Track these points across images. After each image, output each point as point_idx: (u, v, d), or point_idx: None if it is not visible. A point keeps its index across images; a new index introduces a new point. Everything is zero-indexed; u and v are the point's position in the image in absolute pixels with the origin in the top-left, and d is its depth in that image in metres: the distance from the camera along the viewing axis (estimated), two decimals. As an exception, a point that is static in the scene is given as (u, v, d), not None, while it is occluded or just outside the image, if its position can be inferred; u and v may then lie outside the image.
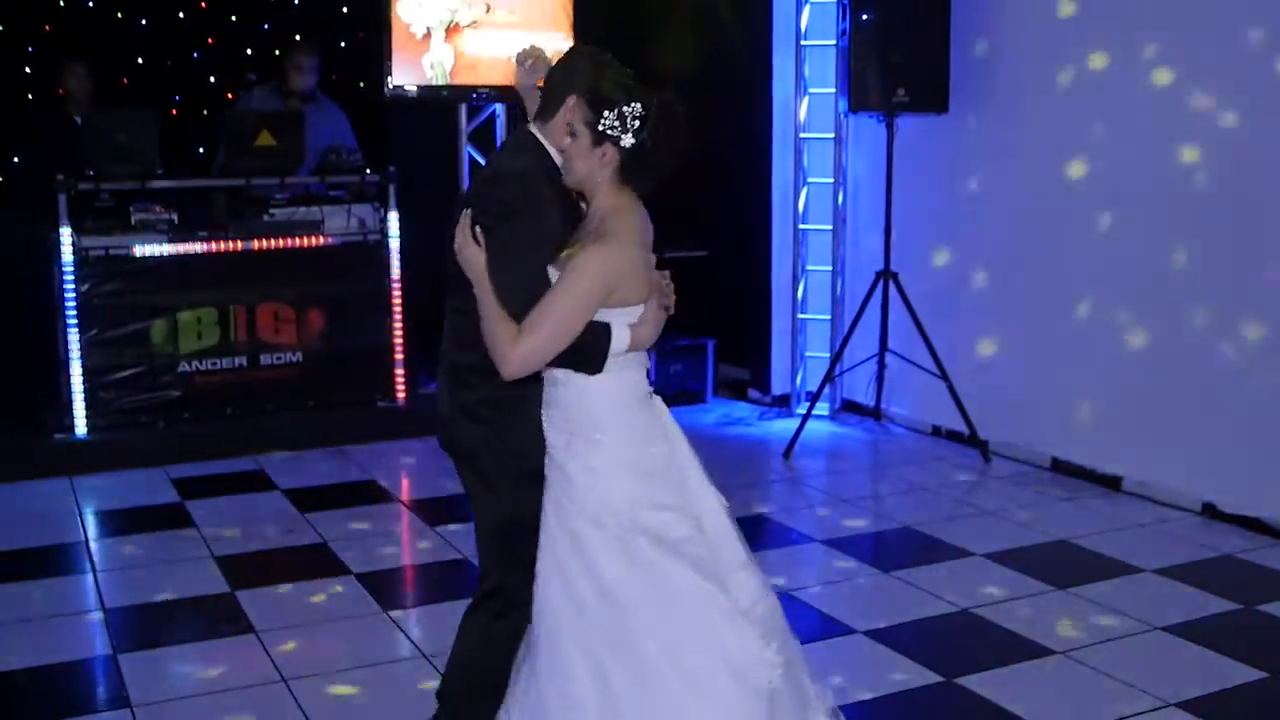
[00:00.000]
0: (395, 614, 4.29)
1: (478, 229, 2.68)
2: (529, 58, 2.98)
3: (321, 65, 7.04)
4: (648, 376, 2.81)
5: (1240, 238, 5.05)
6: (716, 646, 2.64)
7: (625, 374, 2.72)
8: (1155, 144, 5.33)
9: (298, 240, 6.29)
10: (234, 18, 8.09)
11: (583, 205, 2.80)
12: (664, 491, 2.73)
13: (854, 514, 5.41)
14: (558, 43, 6.79)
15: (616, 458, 2.70)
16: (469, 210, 2.72)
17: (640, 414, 2.76)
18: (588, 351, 2.64)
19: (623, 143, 2.63)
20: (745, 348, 7.35)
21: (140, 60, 7.90)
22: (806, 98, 6.83)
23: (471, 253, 2.68)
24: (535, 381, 2.77)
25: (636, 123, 2.62)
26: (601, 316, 2.64)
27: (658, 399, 2.84)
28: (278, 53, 7.87)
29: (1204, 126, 5.14)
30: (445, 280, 2.86)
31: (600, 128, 2.64)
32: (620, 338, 2.64)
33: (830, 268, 6.91)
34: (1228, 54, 5.05)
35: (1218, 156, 5.10)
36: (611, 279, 2.62)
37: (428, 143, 7.20)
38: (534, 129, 2.84)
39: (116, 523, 5.30)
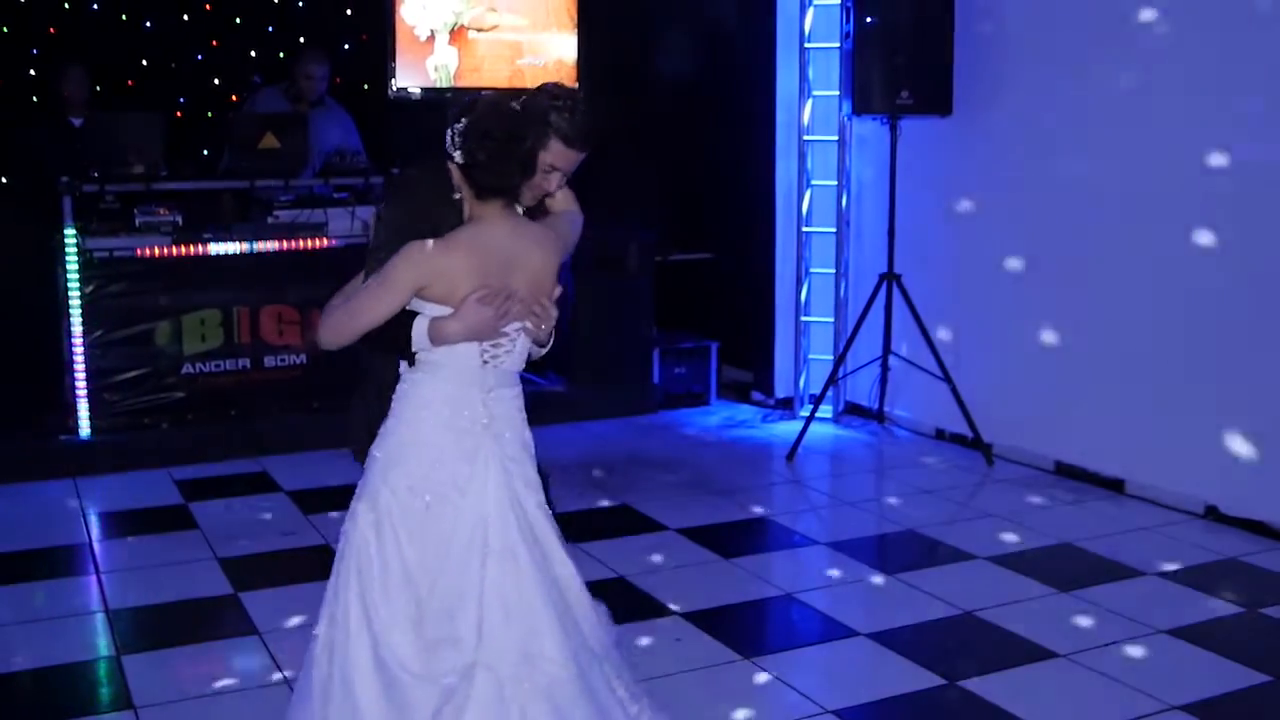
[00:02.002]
0: (398, 616, 4.28)
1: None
2: None
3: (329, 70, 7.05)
4: (474, 408, 2.77)
5: (1248, 238, 5.04)
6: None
7: (434, 386, 2.76)
8: (1162, 144, 5.33)
9: (302, 242, 6.28)
10: (238, 20, 8.10)
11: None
12: (411, 521, 2.75)
13: (857, 517, 5.41)
14: (562, 45, 6.82)
15: (399, 456, 2.77)
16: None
17: (434, 433, 2.75)
18: (393, 334, 2.73)
19: (457, 160, 2.70)
20: (749, 350, 7.35)
21: (145, 62, 7.90)
22: (810, 100, 6.83)
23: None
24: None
25: (460, 139, 2.67)
26: (417, 308, 2.72)
27: (493, 447, 2.76)
28: (282, 55, 7.89)
29: (1212, 126, 5.14)
30: None
31: (446, 148, 2.72)
32: (419, 328, 2.70)
33: (834, 270, 6.91)
34: (1236, 55, 5.05)
35: (1228, 154, 5.10)
36: (425, 272, 2.67)
37: (431, 145, 7.19)
38: None
39: (120, 524, 5.31)
